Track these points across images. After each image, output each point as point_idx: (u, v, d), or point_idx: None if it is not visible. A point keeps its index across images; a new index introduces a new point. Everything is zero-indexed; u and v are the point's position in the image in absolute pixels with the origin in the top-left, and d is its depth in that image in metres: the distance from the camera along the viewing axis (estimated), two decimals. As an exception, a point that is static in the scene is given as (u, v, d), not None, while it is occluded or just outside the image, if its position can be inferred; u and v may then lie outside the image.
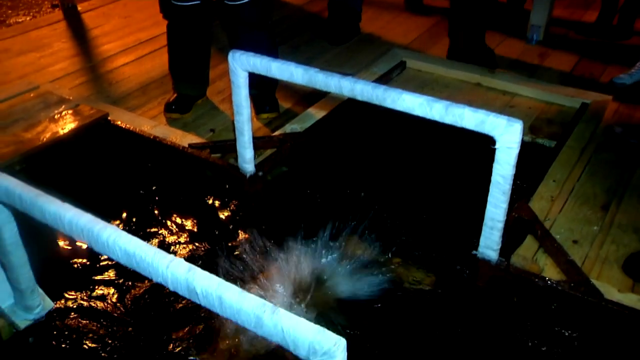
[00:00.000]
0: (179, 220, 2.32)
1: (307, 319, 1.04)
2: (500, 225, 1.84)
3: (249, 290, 1.13)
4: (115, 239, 1.25)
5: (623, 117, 2.75)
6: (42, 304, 1.79)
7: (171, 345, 1.79)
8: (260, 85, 2.68)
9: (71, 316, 1.88)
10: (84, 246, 2.13)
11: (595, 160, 2.45)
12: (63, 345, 1.78)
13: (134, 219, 2.33)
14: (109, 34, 3.74)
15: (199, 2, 2.61)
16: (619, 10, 3.71)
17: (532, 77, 3.17)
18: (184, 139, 2.59)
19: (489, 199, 1.80)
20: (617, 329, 1.77)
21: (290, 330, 1.03)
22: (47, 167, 2.48)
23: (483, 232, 1.89)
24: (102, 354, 1.76)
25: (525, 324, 1.85)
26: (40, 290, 1.80)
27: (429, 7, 4.16)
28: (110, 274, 2.04)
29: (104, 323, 1.86)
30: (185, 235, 2.25)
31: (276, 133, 2.67)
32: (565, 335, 1.81)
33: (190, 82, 2.88)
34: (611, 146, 2.52)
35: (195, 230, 2.28)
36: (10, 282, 1.72)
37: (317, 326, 1.02)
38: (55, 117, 2.72)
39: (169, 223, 2.30)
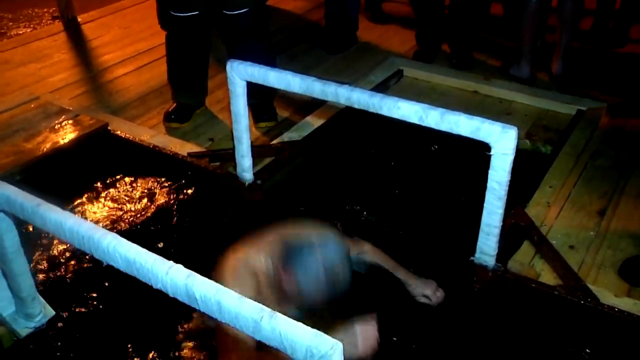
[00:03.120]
0: (177, 229, 2.34)
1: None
2: (497, 231, 1.86)
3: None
4: (115, 246, 1.27)
5: (617, 123, 2.77)
6: (43, 312, 1.80)
7: (172, 351, 1.80)
8: (258, 95, 2.70)
9: (72, 324, 1.89)
10: (84, 254, 2.14)
11: (591, 167, 2.47)
12: (64, 353, 1.79)
13: (132, 227, 2.34)
14: (109, 44, 3.77)
15: (197, 12, 2.64)
16: (614, 18, 3.74)
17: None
18: (183, 148, 2.61)
19: (485, 205, 1.82)
20: (613, 333, 1.78)
21: (287, 334, 1.04)
22: (48, 176, 2.50)
23: (479, 238, 1.91)
24: (103, 362, 1.78)
25: (522, 329, 1.86)
26: (41, 299, 1.81)
27: (388, 15, 4.18)
28: (111, 282, 2.05)
29: (105, 331, 1.87)
30: (184, 243, 2.26)
31: (274, 142, 2.69)
32: (562, 340, 1.82)
33: (189, 91, 2.91)
34: (607, 152, 2.55)
35: (194, 238, 2.29)
36: (12, 290, 1.73)
37: (315, 330, 1.03)
38: (56, 127, 2.74)
39: (167, 231, 2.32)
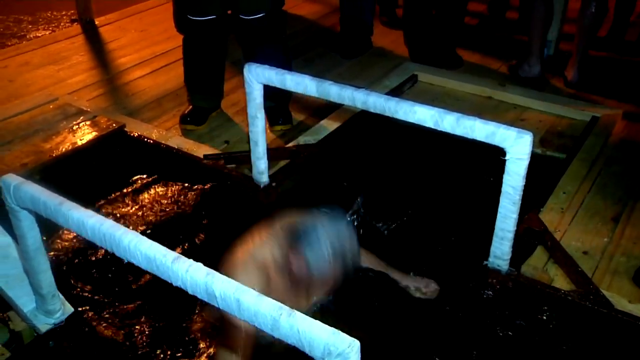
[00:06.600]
0: (193, 229, 2.36)
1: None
2: (511, 236, 1.87)
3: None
4: (136, 244, 1.29)
5: (632, 130, 2.77)
6: (63, 308, 1.82)
7: (190, 349, 1.82)
8: (274, 98, 2.73)
9: (90, 321, 1.92)
10: (104, 252, 2.17)
11: (606, 173, 2.47)
12: (82, 350, 1.82)
13: (148, 227, 2.37)
14: (126, 47, 3.82)
15: (214, 16, 2.68)
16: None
17: (542, 90, 3.20)
18: (199, 150, 2.65)
19: (499, 209, 1.83)
20: (627, 340, 1.78)
21: (305, 332, 1.06)
22: (66, 176, 2.53)
23: (493, 243, 1.92)
24: (121, 359, 1.80)
25: (535, 334, 1.87)
26: (61, 296, 1.84)
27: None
28: (129, 280, 2.07)
29: (123, 328, 1.89)
30: (199, 244, 2.28)
31: (290, 144, 2.71)
32: (575, 346, 1.82)
33: (205, 94, 2.94)
34: (621, 159, 2.55)
35: (209, 239, 2.31)
36: (32, 286, 1.76)
37: (332, 328, 1.05)
38: (74, 128, 2.78)
39: (183, 231, 2.34)
